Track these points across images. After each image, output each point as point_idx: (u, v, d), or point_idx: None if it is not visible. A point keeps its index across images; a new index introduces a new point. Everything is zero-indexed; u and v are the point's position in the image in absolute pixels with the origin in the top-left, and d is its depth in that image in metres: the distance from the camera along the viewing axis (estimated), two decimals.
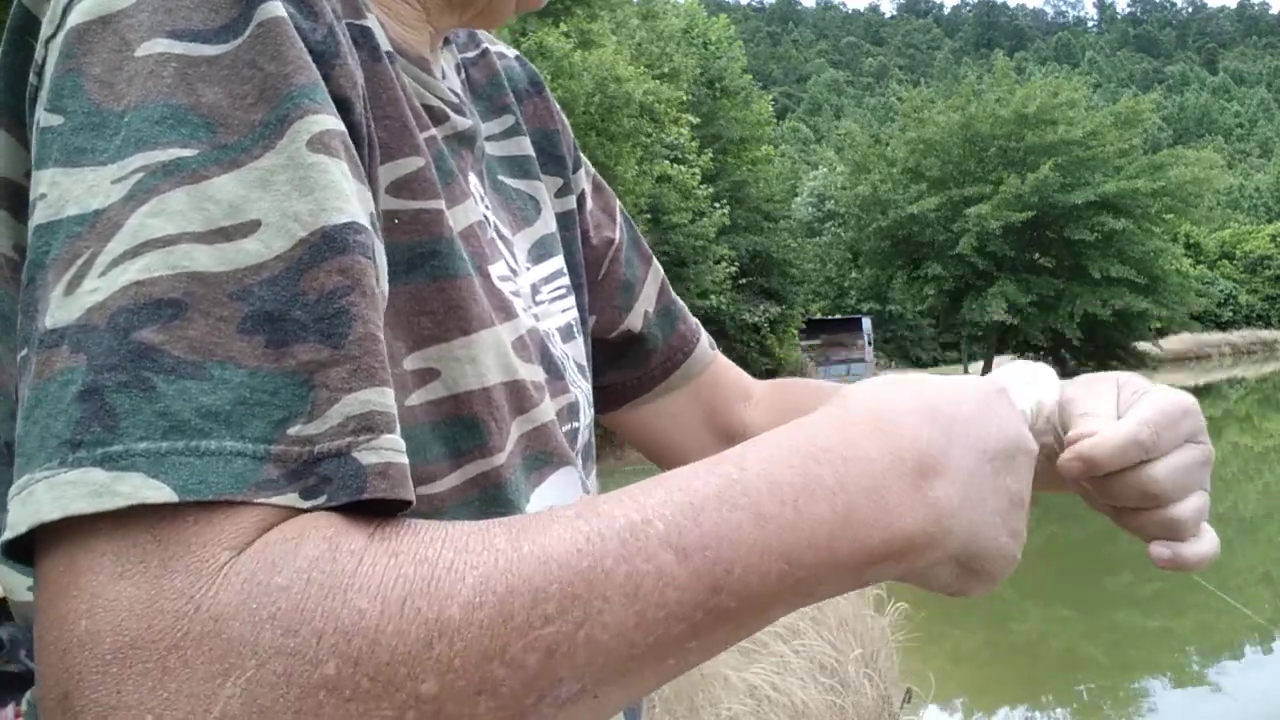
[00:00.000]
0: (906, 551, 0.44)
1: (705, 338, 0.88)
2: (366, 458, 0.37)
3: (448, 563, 0.35)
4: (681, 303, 0.88)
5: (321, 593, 0.33)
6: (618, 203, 0.87)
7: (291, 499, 0.35)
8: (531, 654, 0.35)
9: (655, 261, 0.87)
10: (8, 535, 0.34)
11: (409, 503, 0.38)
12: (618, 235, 0.84)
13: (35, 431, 0.35)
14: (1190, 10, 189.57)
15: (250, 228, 0.37)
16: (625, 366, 0.85)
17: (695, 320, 0.89)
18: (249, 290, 0.36)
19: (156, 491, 0.33)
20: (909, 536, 0.44)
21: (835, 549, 0.42)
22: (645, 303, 0.84)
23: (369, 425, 0.37)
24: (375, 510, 0.37)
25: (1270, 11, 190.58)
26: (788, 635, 4.87)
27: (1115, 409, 0.61)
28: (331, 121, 0.41)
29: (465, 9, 0.65)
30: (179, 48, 0.39)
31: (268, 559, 0.33)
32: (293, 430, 0.35)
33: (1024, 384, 0.62)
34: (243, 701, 0.31)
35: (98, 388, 0.34)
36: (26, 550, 0.35)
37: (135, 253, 0.36)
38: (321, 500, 0.35)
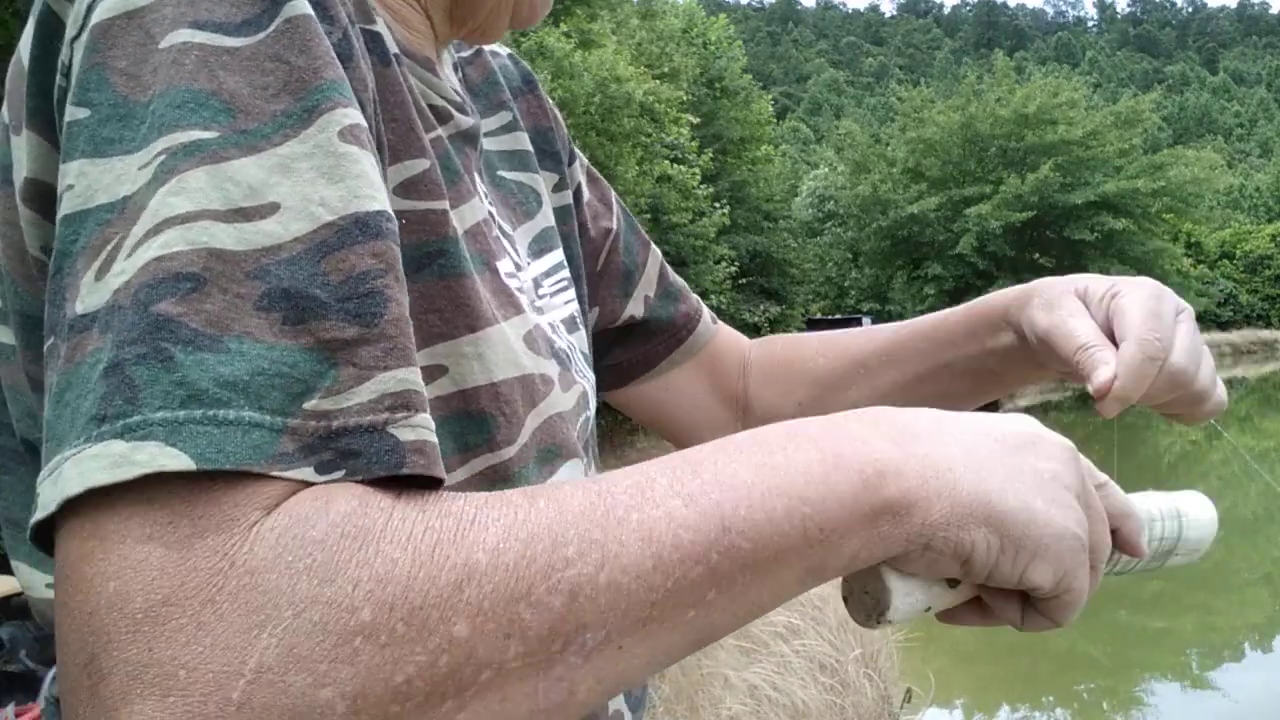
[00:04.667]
0: (909, 501, 0.43)
1: (707, 314, 0.90)
2: (404, 434, 0.37)
3: (471, 515, 0.36)
4: (682, 282, 0.90)
5: (355, 544, 0.34)
6: (613, 192, 0.88)
7: (305, 473, 0.35)
8: (556, 596, 0.36)
9: (654, 246, 0.89)
10: (38, 515, 0.34)
11: (441, 481, 0.39)
12: (615, 224, 0.85)
13: (66, 414, 0.35)
14: (1190, 10, 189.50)
15: (269, 210, 0.38)
16: (630, 346, 0.87)
17: (697, 298, 0.91)
18: (266, 270, 0.37)
19: (174, 460, 0.33)
20: (905, 482, 0.43)
21: (833, 484, 0.42)
22: (646, 288, 0.86)
23: (405, 403, 0.38)
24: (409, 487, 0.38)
25: (1270, 11, 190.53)
26: (788, 635, 4.87)
27: (1095, 321, 0.66)
28: (359, 117, 0.42)
29: (464, 23, 0.67)
30: (201, 37, 0.40)
31: (300, 514, 0.34)
32: (309, 405, 0.36)
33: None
34: (279, 651, 0.31)
35: (119, 362, 0.34)
36: (45, 535, 0.35)
37: (157, 230, 0.36)
38: (339, 475, 0.36)
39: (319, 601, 0.32)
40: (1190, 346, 0.64)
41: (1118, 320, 0.64)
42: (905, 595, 0.47)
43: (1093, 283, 0.68)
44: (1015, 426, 0.49)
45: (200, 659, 0.31)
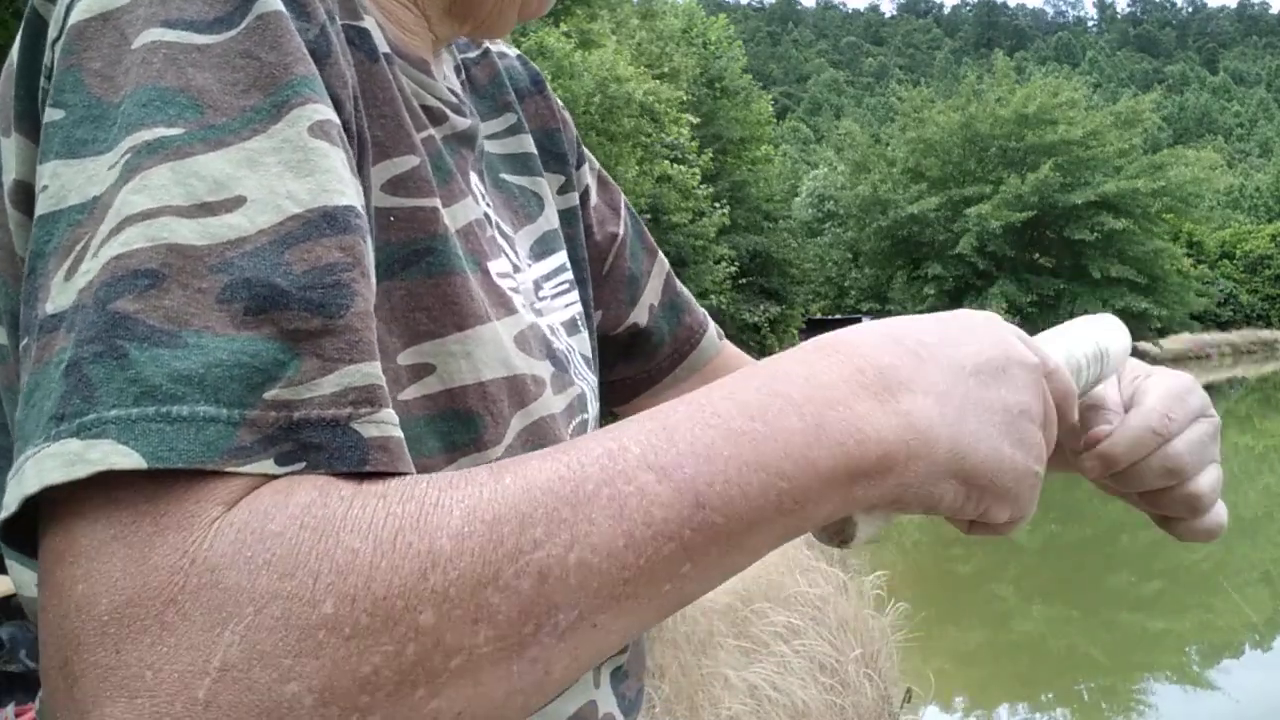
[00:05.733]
0: (888, 464, 0.43)
1: (713, 328, 0.89)
2: (367, 430, 0.37)
3: (434, 499, 0.35)
4: (688, 294, 0.89)
5: (315, 536, 0.33)
6: (623, 197, 0.87)
7: (265, 466, 0.34)
8: (524, 579, 0.35)
9: (660, 255, 0.88)
10: (2, 514, 0.34)
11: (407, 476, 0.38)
12: (622, 229, 0.84)
13: (32, 414, 0.35)
14: (1190, 10, 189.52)
15: (235, 203, 0.37)
16: (633, 360, 0.85)
17: (703, 311, 0.89)
18: (230, 262, 0.36)
19: (125, 458, 0.32)
20: (885, 446, 0.43)
21: (813, 458, 0.41)
22: (651, 296, 0.85)
23: (370, 398, 0.37)
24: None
25: (1270, 11, 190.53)
26: (788, 635, 4.87)
27: (1120, 395, 0.64)
28: (330, 113, 0.42)
29: (466, 20, 0.66)
30: (170, 35, 0.40)
31: (259, 509, 0.33)
32: (269, 395, 0.35)
33: (1054, 335, 0.62)
34: (242, 648, 0.31)
35: (77, 361, 0.34)
36: (31, 539, 0.35)
37: (118, 229, 0.36)
38: (300, 467, 0.35)
39: (280, 596, 0.32)
40: (1199, 445, 0.62)
41: (1139, 396, 0.63)
42: (868, 524, 0.49)
43: (1134, 364, 0.68)
44: (988, 350, 0.48)
45: (165, 659, 0.31)
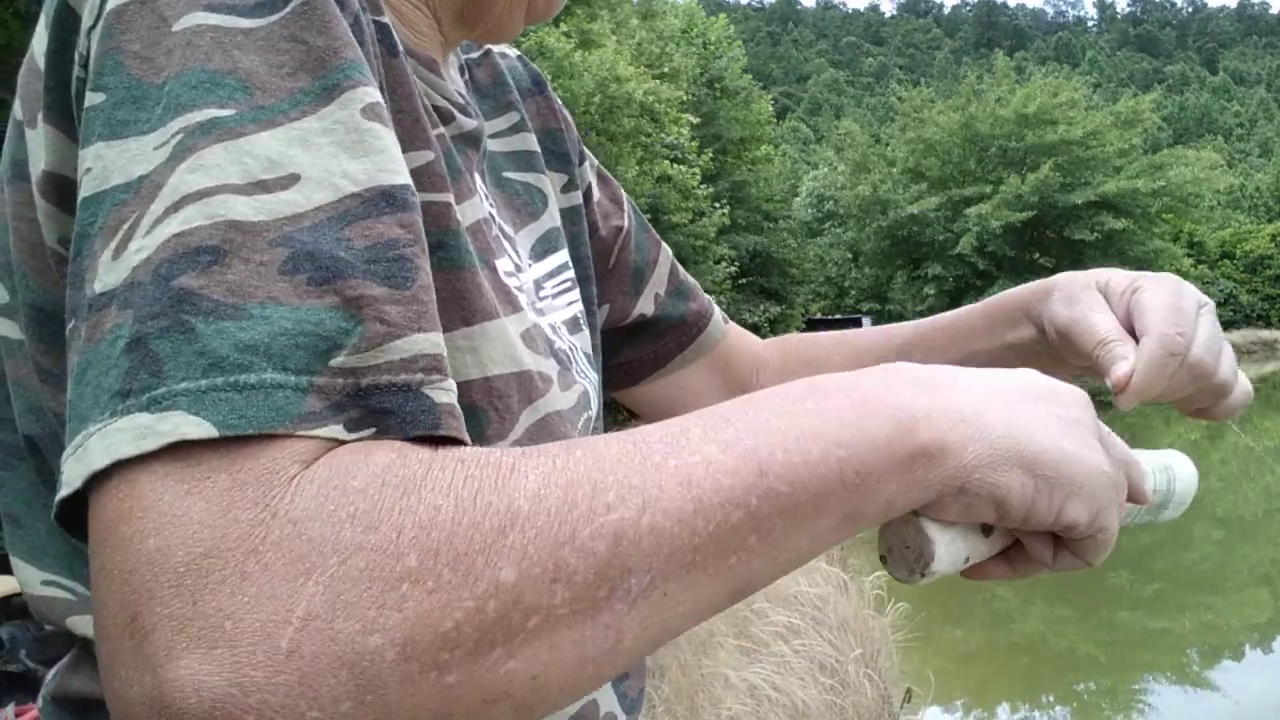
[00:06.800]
0: (942, 444, 0.43)
1: (718, 313, 0.91)
2: (439, 396, 0.38)
3: (510, 464, 0.36)
4: (693, 281, 0.90)
5: (397, 493, 0.33)
6: (623, 191, 0.88)
7: (335, 431, 0.35)
8: (600, 540, 0.35)
9: (664, 244, 0.89)
10: (63, 492, 0.34)
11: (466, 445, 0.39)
12: (626, 223, 0.85)
13: (88, 392, 0.35)
14: (1190, 10, 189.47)
15: (289, 181, 0.38)
16: (640, 344, 0.87)
17: (708, 298, 0.91)
18: (289, 237, 0.37)
19: (197, 428, 0.33)
20: (936, 426, 0.44)
21: (866, 428, 0.42)
22: (656, 286, 0.86)
23: (438, 367, 0.38)
24: None
25: (1270, 11, 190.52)
26: (788, 635, 4.87)
27: (1115, 319, 0.66)
28: (379, 96, 0.42)
29: (476, 24, 0.67)
30: (214, 19, 0.40)
31: (340, 466, 0.34)
32: (336, 362, 0.36)
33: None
34: (326, 599, 0.31)
35: (142, 337, 0.35)
36: (79, 519, 0.35)
37: (176, 207, 0.37)
38: (368, 433, 0.36)
39: (364, 548, 0.32)
40: (1210, 340, 0.64)
41: (1138, 315, 0.64)
42: (947, 545, 0.47)
43: (1114, 277, 0.68)
44: (1031, 379, 0.50)
45: (246, 609, 0.31)
